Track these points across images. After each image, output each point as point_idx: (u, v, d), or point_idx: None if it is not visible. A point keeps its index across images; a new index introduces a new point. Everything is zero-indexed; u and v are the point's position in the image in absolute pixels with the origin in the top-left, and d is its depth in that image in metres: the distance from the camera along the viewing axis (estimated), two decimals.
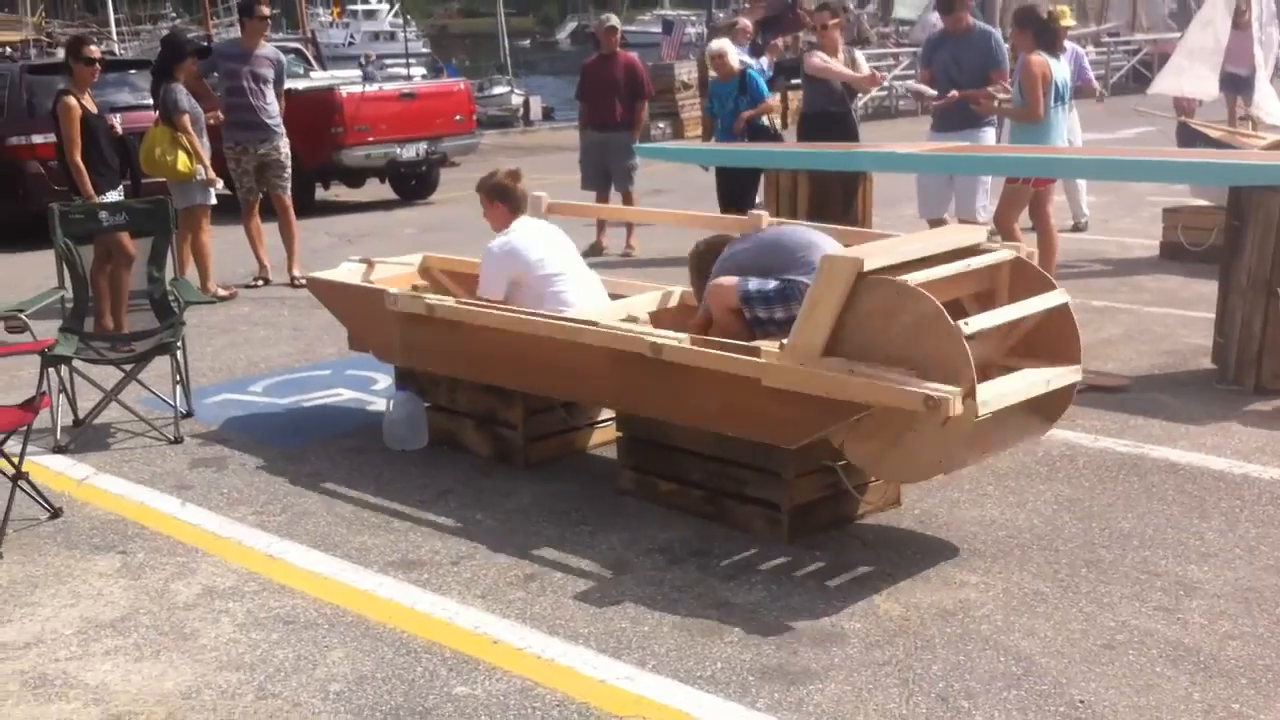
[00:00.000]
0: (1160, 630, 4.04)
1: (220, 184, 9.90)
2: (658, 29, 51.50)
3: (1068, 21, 11.92)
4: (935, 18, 11.86)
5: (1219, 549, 4.65)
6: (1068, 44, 11.77)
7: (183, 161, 9.46)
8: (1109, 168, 8.08)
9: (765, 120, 10.99)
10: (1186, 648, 3.92)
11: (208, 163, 9.64)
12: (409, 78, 25.76)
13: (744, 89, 10.75)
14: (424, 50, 52.70)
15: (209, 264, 9.91)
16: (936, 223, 8.83)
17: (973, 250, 4.83)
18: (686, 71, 23.62)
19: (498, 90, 34.69)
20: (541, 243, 5.92)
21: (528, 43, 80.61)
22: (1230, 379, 6.58)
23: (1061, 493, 5.25)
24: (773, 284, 5.09)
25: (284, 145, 10.38)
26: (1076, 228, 11.64)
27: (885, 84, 22.28)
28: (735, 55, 10.93)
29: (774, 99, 11.28)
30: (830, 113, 10.27)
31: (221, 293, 9.89)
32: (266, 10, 10.45)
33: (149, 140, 9.49)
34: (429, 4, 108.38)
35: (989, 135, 9.31)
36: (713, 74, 11.40)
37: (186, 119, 9.52)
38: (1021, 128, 8.31)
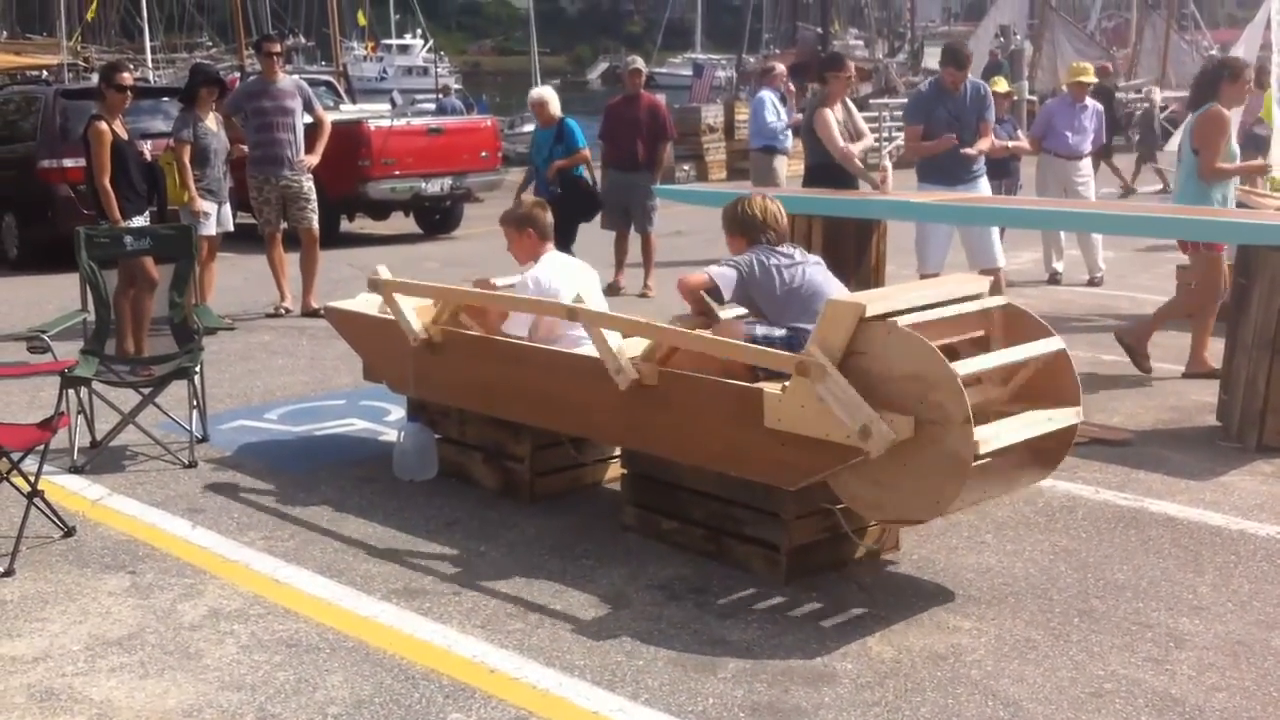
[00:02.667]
0: (1148, 680, 4.09)
1: (206, 216, 9.76)
2: (688, 72, 51.77)
3: (1088, 78, 12.01)
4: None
5: (1211, 602, 4.69)
6: (1088, 100, 11.91)
7: (170, 187, 9.59)
8: (1116, 223, 8.14)
9: (583, 171, 11.04)
10: (1173, 698, 3.97)
11: (195, 192, 9.65)
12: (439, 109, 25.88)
13: (560, 138, 10.81)
14: (456, 86, 53.08)
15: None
16: (929, 278, 8.80)
17: (975, 299, 4.91)
18: (713, 115, 23.82)
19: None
20: (569, 281, 5.98)
21: (558, 82, 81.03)
22: (1234, 436, 6.61)
23: (1059, 543, 5.30)
24: (779, 332, 5.16)
25: (307, 179, 10.51)
26: (1092, 282, 11.70)
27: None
28: (555, 104, 10.94)
29: (585, 150, 11.09)
30: (831, 164, 10.00)
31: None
32: (276, 47, 10.80)
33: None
34: (463, 41, 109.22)
35: (983, 186, 9.22)
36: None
37: (184, 148, 9.65)
38: None
